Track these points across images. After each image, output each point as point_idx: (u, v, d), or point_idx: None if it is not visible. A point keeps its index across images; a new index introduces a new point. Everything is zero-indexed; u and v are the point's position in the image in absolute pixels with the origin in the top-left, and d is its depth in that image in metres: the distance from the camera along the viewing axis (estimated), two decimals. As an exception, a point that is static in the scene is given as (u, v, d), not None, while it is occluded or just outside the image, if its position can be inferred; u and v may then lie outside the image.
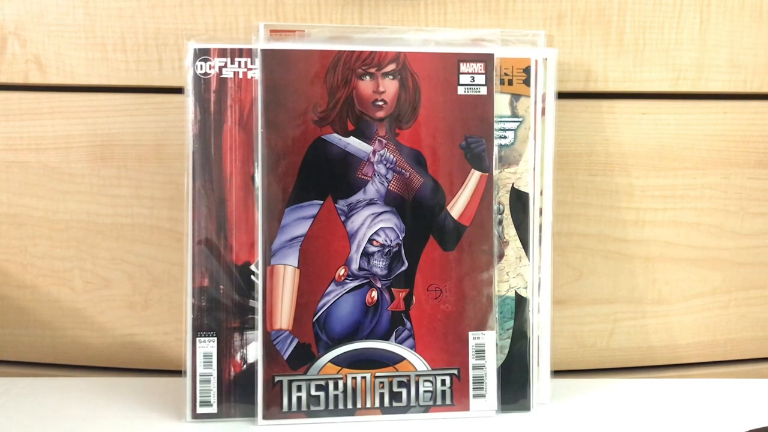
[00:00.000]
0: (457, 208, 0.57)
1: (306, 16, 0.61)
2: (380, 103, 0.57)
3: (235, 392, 0.57)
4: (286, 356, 0.56)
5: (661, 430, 0.56)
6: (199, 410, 0.56)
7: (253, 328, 0.57)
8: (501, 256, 0.58)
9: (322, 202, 0.56)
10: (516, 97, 0.58)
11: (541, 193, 0.59)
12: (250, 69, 0.56)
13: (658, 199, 0.65)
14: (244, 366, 0.57)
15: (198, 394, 0.56)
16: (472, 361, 0.58)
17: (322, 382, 0.57)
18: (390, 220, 0.57)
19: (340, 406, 0.57)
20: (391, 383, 0.57)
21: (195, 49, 0.56)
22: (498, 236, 0.58)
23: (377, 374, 0.57)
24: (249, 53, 0.56)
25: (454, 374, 0.58)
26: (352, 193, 0.57)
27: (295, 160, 0.56)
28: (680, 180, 0.65)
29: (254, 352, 0.57)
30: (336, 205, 0.57)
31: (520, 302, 0.59)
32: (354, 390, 0.57)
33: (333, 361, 0.57)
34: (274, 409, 0.56)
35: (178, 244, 0.63)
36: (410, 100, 0.57)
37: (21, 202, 0.63)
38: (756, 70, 0.64)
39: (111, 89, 0.62)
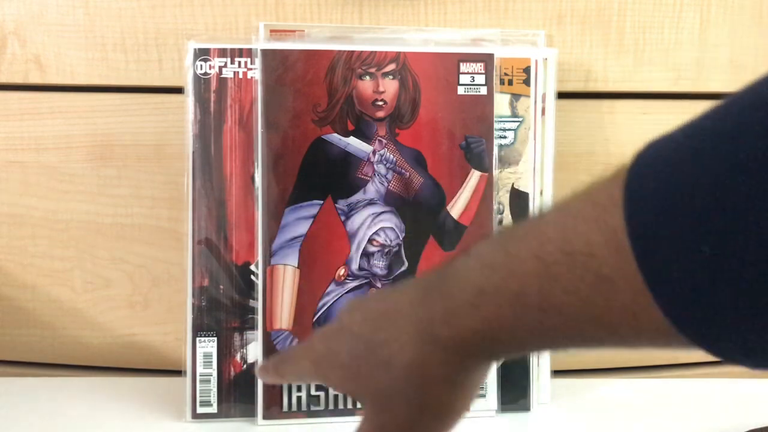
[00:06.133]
0: (457, 208, 0.57)
1: (306, 16, 0.61)
2: (380, 103, 0.57)
3: (235, 392, 0.57)
4: (286, 356, 0.56)
5: (661, 430, 0.56)
6: (199, 410, 0.56)
7: (253, 328, 0.57)
8: (501, 256, 0.58)
9: (322, 202, 0.56)
10: (516, 97, 0.58)
11: (541, 193, 0.59)
12: (250, 69, 0.56)
13: (658, 199, 0.65)
14: (244, 366, 0.57)
15: (198, 394, 0.56)
16: (472, 361, 0.58)
17: (322, 382, 0.57)
18: (390, 220, 0.57)
19: (340, 406, 0.57)
20: (391, 383, 0.57)
21: (195, 49, 0.56)
22: (498, 236, 0.58)
23: (377, 374, 0.57)
24: (249, 53, 0.56)
25: (454, 374, 0.58)
26: (352, 193, 0.57)
27: (295, 160, 0.56)
28: (680, 180, 0.65)
29: (254, 352, 0.57)
30: (336, 205, 0.56)
31: (520, 302, 0.58)
32: (354, 390, 0.57)
33: (333, 361, 0.57)
34: (274, 409, 0.56)
35: (178, 244, 0.63)
36: (410, 100, 0.57)
37: (21, 202, 0.63)
38: (756, 70, 0.63)
39: (111, 89, 0.62)
